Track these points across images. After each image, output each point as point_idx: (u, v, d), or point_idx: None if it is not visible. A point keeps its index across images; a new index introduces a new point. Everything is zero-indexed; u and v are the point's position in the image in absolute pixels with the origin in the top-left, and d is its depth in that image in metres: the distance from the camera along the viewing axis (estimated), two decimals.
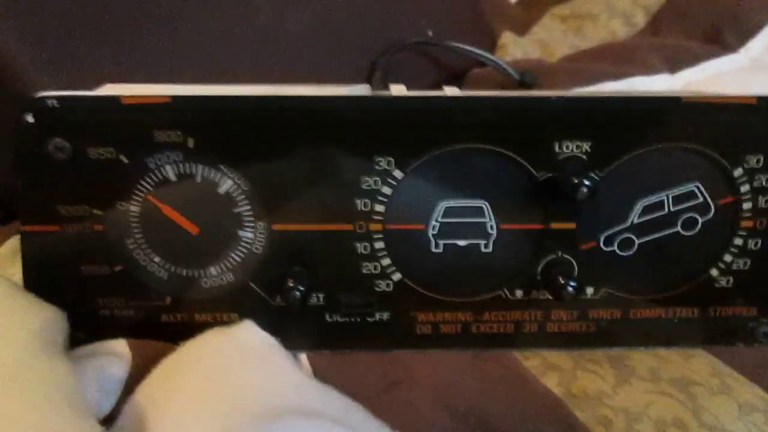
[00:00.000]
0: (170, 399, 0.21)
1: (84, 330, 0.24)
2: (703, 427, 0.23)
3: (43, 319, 0.22)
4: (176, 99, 0.22)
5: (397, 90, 0.24)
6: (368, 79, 0.42)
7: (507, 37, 0.51)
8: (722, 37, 0.47)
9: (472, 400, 0.23)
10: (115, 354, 0.24)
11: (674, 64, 0.44)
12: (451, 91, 0.24)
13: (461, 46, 0.44)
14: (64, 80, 0.28)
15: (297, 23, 0.37)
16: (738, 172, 0.24)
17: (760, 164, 0.24)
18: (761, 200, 0.24)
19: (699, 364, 0.25)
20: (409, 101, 0.23)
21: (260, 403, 0.21)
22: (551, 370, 0.24)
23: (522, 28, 0.55)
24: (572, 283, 0.23)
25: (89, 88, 0.24)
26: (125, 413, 0.22)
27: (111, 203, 0.23)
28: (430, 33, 0.44)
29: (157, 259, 0.24)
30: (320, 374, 0.24)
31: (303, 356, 0.25)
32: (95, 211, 0.23)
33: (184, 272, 0.24)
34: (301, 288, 0.23)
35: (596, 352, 0.25)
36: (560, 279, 0.24)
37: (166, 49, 0.34)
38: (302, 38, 0.37)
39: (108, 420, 0.22)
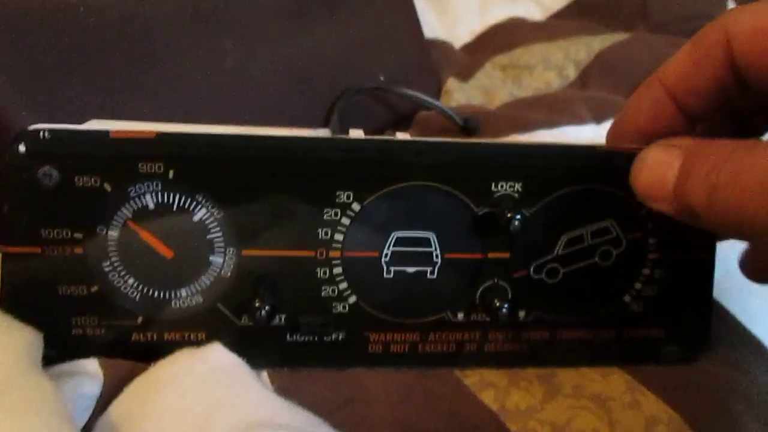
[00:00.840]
0: (145, 415, 0.23)
1: (57, 348, 0.25)
2: None
3: (25, 340, 0.23)
4: (160, 135, 0.24)
5: (356, 134, 0.27)
6: (326, 121, 0.45)
7: (452, 83, 0.55)
8: None
9: (419, 415, 0.26)
10: (88, 373, 0.25)
11: (600, 115, 0.49)
12: (402, 136, 0.27)
13: (409, 92, 0.47)
14: (44, 117, 0.29)
15: (261, 68, 0.40)
16: (644, 211, 0.27)
17: None
18: (664, 236, 0.28)
19: (615, 381, 0.28)
20: (366, 143, 0.26)
21: (233, 418, 0.22)
22: (488, 387, 0.27)
23: (466, 74, 0.59)
24: (506, 306, 0.27)
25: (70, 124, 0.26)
26: (99, 428, 0.24)
27: (92, 228, 0.25)
28: (382, 78, 0.48)
29: (131, 281, 0.26)
30: (280, 392, 0.26)
31: (264, 375, 0.27)
32: (76, 235, 0.25)
33: (156, 294, 0.26)
34: (267, 308, 0.25)
35: (528, 371, 0.28)
36: (496, 302, 0.27)
37: (139, 90, 0.35)
38: (265, 82, 0.40)
39: None
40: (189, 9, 0.38)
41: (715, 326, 0.31)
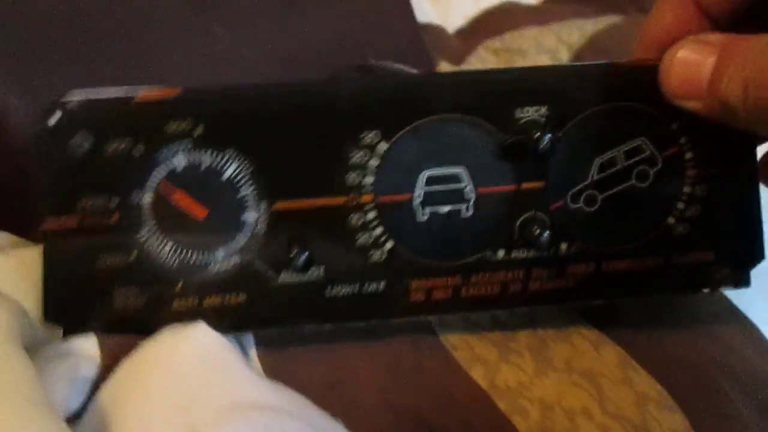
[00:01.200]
0: (131, 397, 0.23)
1: (100, 320, 0.25)
2: (607, 415, 0.26)
3: (5, 314, 0.23)
4: (186, 90, 0.25)
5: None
6: None
7: (444, 67, 0.54)
8: None
9: (408, 394, 0.26)
10: (85, 354, 0.25)
11: None
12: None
13: (399, 66, 0.47)
14: (31, 102, 0.29)
15: (251, 51, 0.39)
16: (675, 125, 0.27)
17: (693, 116, 0.26)
18: (700, 149, 0.27)
19: (607, 354, 0.28)
20: (386, 80, 0.26)
21: (218, 398, 0.23)
22: (478, 363, 0.27)
23: (458, 58, 0.59)
24: (546, 234, 0.26)
25: None
26: (89, 411, 0.24)
27: (126, 194, 0.25)
28: (373, 62, 0.48)
29: (168, 247, 0.25)
30: (269, 373, 0.26)
31: (253, 354, 0.27)
32: (111, 203, 0.25)
33: (194, 257, 0.26)
34: (304, 257, 0.25)
35: (520, 343, 0.28)
36: (535, 231, 0.26)
37: (129, 75, 0.35)
38: (257, 64, 0.40)
39: (76, 417, 0.23)
40: None
41: (707, 306, 0.31)
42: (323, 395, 0.25)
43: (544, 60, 0.57)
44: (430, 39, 0.61)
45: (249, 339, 0.28)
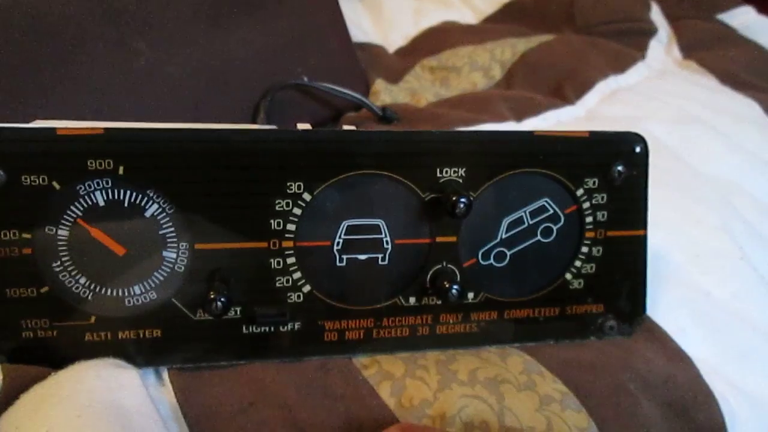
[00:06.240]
0: (34, 426, 0.22)
1: (5, 353, 0.25)
2: (503, 428, 0.26)
3: None
4: (109, 131, 0.24)
5: (303, 126, 0.28)
6: (253, 120, 0.45)
7: (379, 85, 0.55)
8: (563, 91, 0.53)
9: (316, 416, 0.26)
10: None
11: (520, 113, 0.50)
12: (348, 128, 0.28)
13: (330, 86, 0.48)
14: None
15: (176, 69, 0.39)
16: (580, 191, 0.29)
17: (596, 185, 0.29)
18: (599, 214, 0.30)
19: (513, 362, 0.29)
20: (315, 134, 0.26)
21: None
22: (386, 380, 0.27)
23: (396, 77, 0.60)
24: (456, 287, 0.27)
25: None
26: None
27: (41, 227, 0.24)
28: (305, 79, 0.48)
29: (82, 280, 0.25)
30: (180, 393, 0.26)
31: (165, 377, 0.27)
32: (25, 235, 0.24)
33: (109, 292, 0.26)
34: (222, 300, 0.25)
35: (427, 357, 0.29)
36: (445, 284, 0.27)
37: (47, 90, 0.35)
38: (182, 81, 0.40)
39: None
40: (98, 9, 0.37)
41: None
42: (234, 419, 0.25)
43: (477, 77, 0.58)
44: (368, 57, 0.62)
45: None
